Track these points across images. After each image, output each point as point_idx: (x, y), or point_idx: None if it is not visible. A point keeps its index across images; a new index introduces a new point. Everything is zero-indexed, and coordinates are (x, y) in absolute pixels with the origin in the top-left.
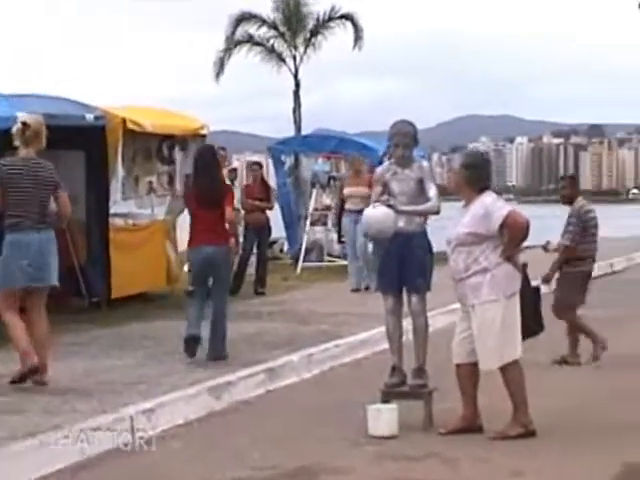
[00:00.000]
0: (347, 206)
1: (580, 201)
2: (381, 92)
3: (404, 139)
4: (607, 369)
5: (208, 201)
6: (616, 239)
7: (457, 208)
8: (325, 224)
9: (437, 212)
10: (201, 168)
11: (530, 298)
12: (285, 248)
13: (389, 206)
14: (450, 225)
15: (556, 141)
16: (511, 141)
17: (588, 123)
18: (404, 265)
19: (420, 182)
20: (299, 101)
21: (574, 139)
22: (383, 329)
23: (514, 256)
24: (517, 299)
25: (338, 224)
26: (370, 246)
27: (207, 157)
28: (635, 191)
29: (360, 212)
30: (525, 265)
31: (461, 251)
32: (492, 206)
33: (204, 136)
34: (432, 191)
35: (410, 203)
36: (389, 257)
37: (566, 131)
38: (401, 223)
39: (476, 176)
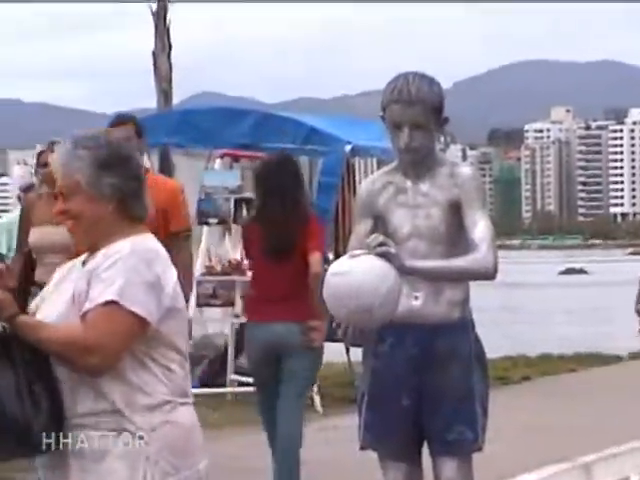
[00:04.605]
0: None
1: None
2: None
3: (415, 113)
4: None
5: (276, 246)
6: None
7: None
8: (231, 304)
9: (492, 273)
10: (268, 190)
11: None
12: None
13: (385, 257)
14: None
15: None
16: (619, 116)
17: None
18: (425, 399)
19: (455, 209)
20: (167, 34)
21: None
22: None
23: None
24: None
25: None
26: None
27: (278, 173)
28: None
29: None
30: None
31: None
32: (110, 265)
33: None
34: (481, 228)
35: (433, 254)
36: (391, 380)
37: None
38: (415, 300)
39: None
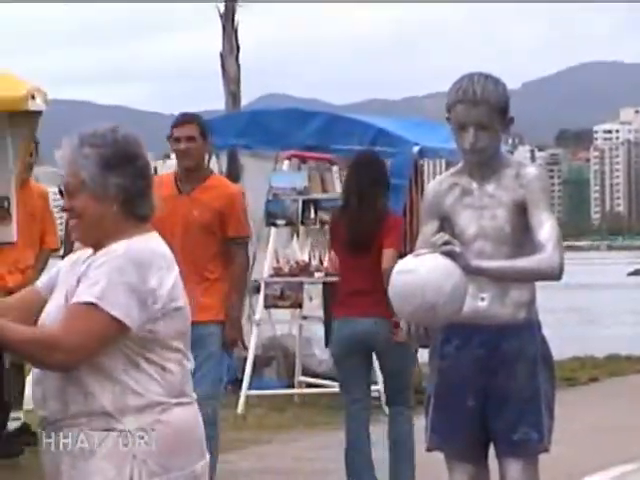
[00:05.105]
0: None
1: None
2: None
3: (480, 113)
4: None
5: (354, 240)
6: None
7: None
8: (299, 305)
9: (558, 274)
10: (348, 189)
11: None
12: None
13: (450, 255)
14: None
15: None
16: None
17: None
18: (491, 400)
19: (520, 210)
20: (235, 36)
21: None
22: None
23: None
24: None
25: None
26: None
27: (363, 172)
28: None
29: None
30: None
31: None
32: (101, 267)
33: (36, 114)
34: (547, 228)
35: (499, 255)
36: (457, 381)
37: None
38: (481, 301)
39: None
